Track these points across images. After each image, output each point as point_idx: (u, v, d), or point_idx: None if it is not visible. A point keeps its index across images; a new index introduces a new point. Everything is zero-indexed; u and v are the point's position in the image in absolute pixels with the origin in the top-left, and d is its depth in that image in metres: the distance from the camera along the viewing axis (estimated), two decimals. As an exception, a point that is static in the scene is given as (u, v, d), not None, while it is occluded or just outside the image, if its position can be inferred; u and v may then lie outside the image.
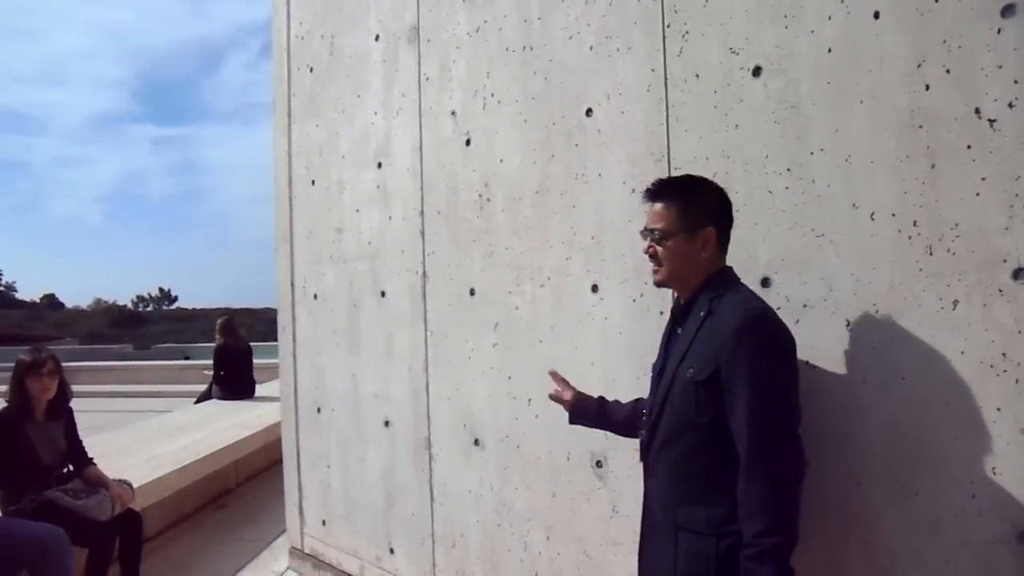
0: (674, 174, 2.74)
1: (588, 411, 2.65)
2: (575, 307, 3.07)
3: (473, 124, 3.51)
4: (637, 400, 2.61)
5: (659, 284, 2.30)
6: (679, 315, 2.27)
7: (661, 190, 2.25)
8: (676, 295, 2.34)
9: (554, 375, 2.76)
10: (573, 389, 2.70)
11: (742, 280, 2.25)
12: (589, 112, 3.02)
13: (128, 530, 4.44)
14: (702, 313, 2.13)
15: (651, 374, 2.40)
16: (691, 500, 2.11)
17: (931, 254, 2.15)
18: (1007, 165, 2.02)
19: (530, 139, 3.24)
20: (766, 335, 2.02)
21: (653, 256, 2.26)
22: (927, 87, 2.16)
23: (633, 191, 2.85)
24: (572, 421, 2.69)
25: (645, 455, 2.31)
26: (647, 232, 2.27)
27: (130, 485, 4.76)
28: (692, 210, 2.19)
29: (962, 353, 2.09)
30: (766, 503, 1.92)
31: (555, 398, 2.74)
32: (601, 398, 2.67)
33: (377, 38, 4.10)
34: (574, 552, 3.12)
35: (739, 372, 1.98)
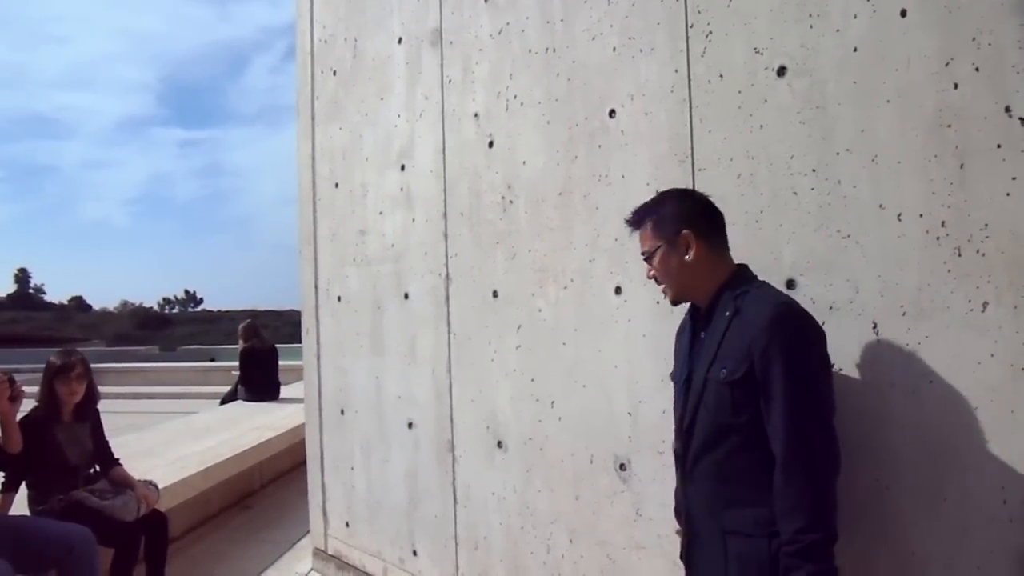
0: (698, 175, 2.72)
1: None
2: (598, 309, 3.06)
3: (496, 126, 3.51)
4: None
5: (674, 302, 2.34)
6: (702, 320, 2.26)
7: (636, 217, 2.34)
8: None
9: None
10: None
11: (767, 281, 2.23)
12: (612, 113, 3.01)
13: (154, 530, 4.47)
14: (728, 313, 2.11)
15: (674, 384, 2.39)
16: (736, 503, 2.07)
17: (960, 255, 2.12)
18: (1038, 164, 1.99)
19: (553, 141, 3.23)
20: (798, 328, 2.01)
21: (655, 279, 2.33)
22: (955, 86, 2.13)
23: (657, 192, 2.83)
24: None
25: (681, 464, 2.27)
26: (643, 258, 2.35)
27: (155, 486, 4.79)
28: (662, 222, 2.25)
29: (992, 356, 2.06)
30: (804, 499, 1.91)
31: None
32: None
33: (400, 41, 4.11)
34: (597, 555, 3.10)
35: (773, 368, 1.96)
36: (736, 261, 2.26)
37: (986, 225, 2.08)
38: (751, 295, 2.09)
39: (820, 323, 2.21)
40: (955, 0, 2.13)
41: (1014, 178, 2.03)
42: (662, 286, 2.33)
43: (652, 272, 2.32)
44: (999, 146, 2.05)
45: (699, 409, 2.15)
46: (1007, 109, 2.04)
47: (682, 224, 2.20)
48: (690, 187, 2.72)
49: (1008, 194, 2.04)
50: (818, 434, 1.96)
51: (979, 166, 2.08)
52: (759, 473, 2.02)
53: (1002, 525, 2.05)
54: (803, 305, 2.14)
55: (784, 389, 1.94)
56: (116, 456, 4.69)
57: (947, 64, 2.14)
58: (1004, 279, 2.04)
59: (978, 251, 2.09)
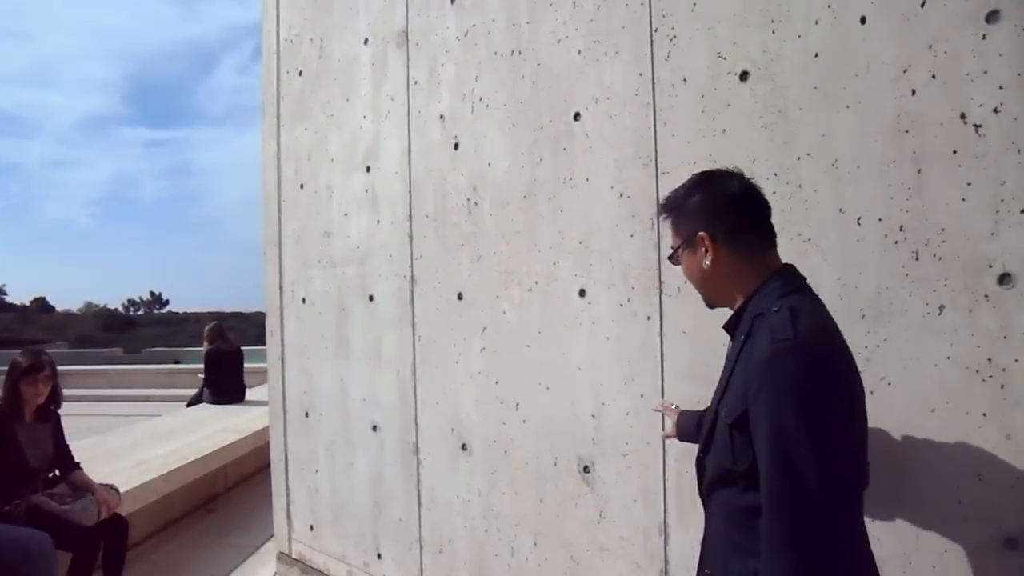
0: (661, 179, 2.73)
1: (689, 429, 2.38)
2: (562, 312, 3.06)
3: (461, 128, 3.50)
4: None
5: (708, 306, 2.01)
6: (731, 330, 1.93)
7: (666, 205, 2.00)
8: None
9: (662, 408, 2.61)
10: (678, 411, 2.50)
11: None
12: (577, 116, 3.01)
13: (113, 535, 4.41)
14: (742, 336, 1.78)
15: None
16: (743, 550, 1.73)
17: (917, 259, 2.15)
18: (992, 170, 2.03)
19: (518, 143, 3.23)
20: (794, 377, 1.57)
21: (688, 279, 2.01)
22: (913, 92, 2.16)
23: (621, 195, 2.85)
24: (681, 439, 2.45)
25: (700, 492, 1.98)
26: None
27: (116, 490, 4.73)
28: (683, 217, 1.93)
29: (948, 358, 2.09)
30: None
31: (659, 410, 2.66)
32: (702, 413, 2.30)
33: (366, 42, 4.09)
34: (561, 558, 3.10)
35: (760, 424, 1.61)
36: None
37: (943, 229, 2.11)
38: (766, 319, 1.71)
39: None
40: (913, 8, 2.16)
41: (969, 183, 2.06)
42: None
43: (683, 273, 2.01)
44: (955, 152, 2.08)
45: (710, 444, 1.86)
46: (962, 116, 2.07)
47: (699, 223, 1.87)
48: (654, 187, 2.74)
49: (964, 199, 2.07)
50: (807, 516, 1.53)
51: (936, 171, 2.12)
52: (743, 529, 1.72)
53: (957, 525, 2.08)
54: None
55: (768, 458, 1.59)
56: (77, 459, 4.63)
57: (905, 71, 2.17)
58: (960, 283, 2.08)
59: (935, 255, 2.12)
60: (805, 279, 1.86)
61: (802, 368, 1.58)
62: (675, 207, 1.95)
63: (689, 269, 1.94)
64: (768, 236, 1.89)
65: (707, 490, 1.91)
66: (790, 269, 1.87)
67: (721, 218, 1.86)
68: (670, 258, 2.00)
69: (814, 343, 1.63)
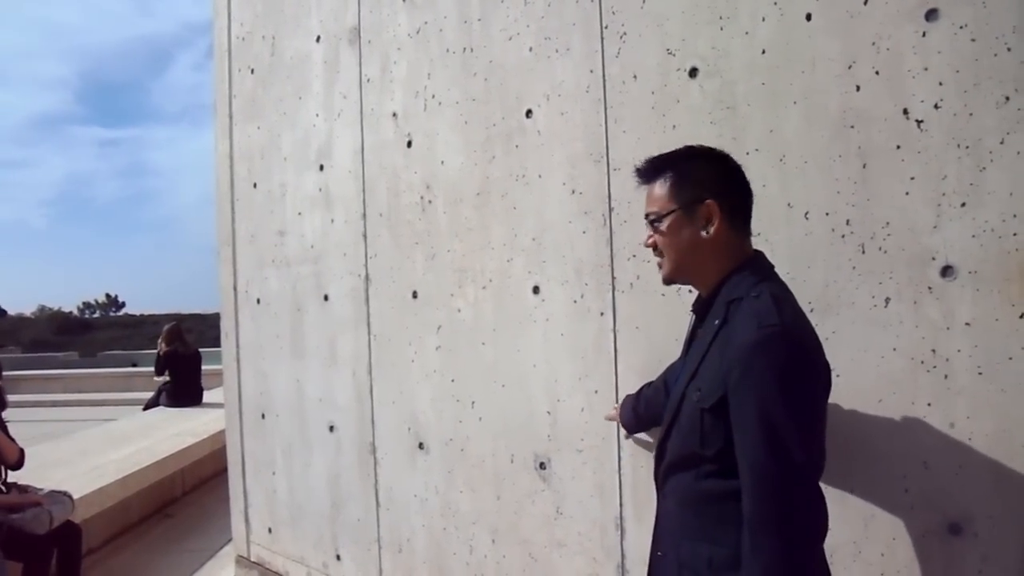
0: (613, 175, 2.74)
1: (625, 415, 2.56)
2: (517, 309, 3.06)
3: (414, 126, 3.49)
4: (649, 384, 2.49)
5: (667, 280, 1.95)
6: (700, 312, 1.92)
7: (651, 168, 1.92)
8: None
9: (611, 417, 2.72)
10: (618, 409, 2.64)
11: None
12: (529, 113, 3.01)
13: (67, 543, 4.34)
14: (716, 321, 1.78)
15: (669, 375, 2.28)
16: (696, 534, 1.78)
17: (864, 252, 2.18)
18: (934, 165, 2.06)
19: (471, 141, 3.23)
20: (781, 361, 1.62)
21: (654, 247, 1.92)
22: (858, 88, 2.19)
23: (573, 192, 2.85)
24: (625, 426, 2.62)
25: (656, 475, 1.98)
26: (646, 220, 1.94)
27: (70, 497, 4.65)
28: (684, 182, 1.85)
29: (894, 350, 2.13)
30: (772, 570, 1.58)
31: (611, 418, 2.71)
32: (635, 397, 2.54)
33: (318, 39, 4.05)
34: (519, 554, 3.10)
35: (745, 407, 1.63)
36: (649, 260, 2.23)
37: (887, 223, 2.14)
38: (744, 305, 1.73)
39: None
40: (856, 5, 2.19)
41: (912, 178, 2.10)
42: (658, 258, 1.94)
43: (652, 239, 1.92)
44: (898, 147, 2.12)
45: (673, 426, 1.86)
46: (905, 111, 2.11)
47: (708, 190, 1.82)
48: (605, 183, 2.75)
49: (907, 193, 2.11)
50: (794, 495, 1.60)
51: (880, 166, 2.15)
52: (725, 506, 1.71)
53: (904, 512, 2.12)
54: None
55: (755, 437, 1.61)
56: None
57: (850, 67, 2.21)
58: (904, 275, 2.11)
59: (880, 248, 2.15)
60: (774, 266, 1.89)
61: (788, 353, 1.63)
62: (671, 169, 1.88)
63: (673, 237, 1.86)
64: (749, 222, 1.92)
65: (664, 473, 1.91)
66: (761, 256, 1.90)
67: (730, 191, 1.86)
68: (654, 220, 1.89)
69: (796, 329, 1.68)
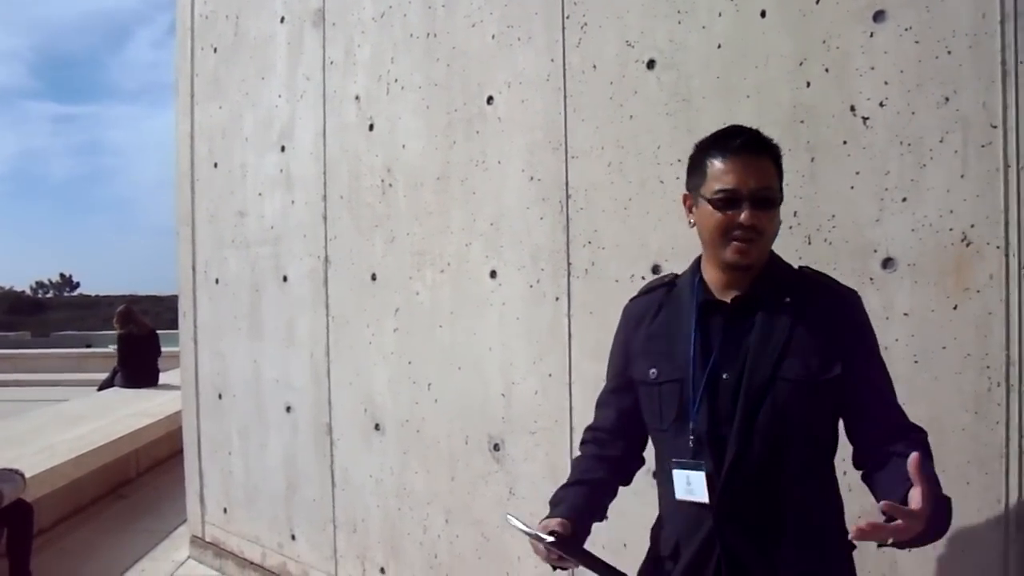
0: (571, 163, 2.80)
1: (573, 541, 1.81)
2: (474, 293, 3.11)
3: (377, 109, 3.51)
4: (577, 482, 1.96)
5: (749, 266, 1.68)
6: (726, 309, 1.72)
7: (766, 144, 1.70)
8: (684, 285, 1.84)
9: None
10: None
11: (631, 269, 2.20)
12: (490, 100, 3.05)
13: (17, 521, 4.30)
14: (788, 299, 1.67)
15: (659, 384, 1.77)
16: (793, 542, 1.67)
17: (810, 244, 2.26)
18: (878, 160, 2.14)
19: (432, 125, 3.26)
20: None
21: (752, 228, 1.62)
22: (808, 84, 2.27)
23: (532, 179, 2.90)
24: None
25: (712, 484, 1.66)
26: (753, 195, 1.62)
27: (22, 475, 4.60)
28: (780, 171, 1.72)
29: (835, 338, 2.20)
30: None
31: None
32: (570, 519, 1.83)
33: (282, 20, 4.05)
34: (472, 534, 3.16)
35: (872, 357, 1.73)
36: (604, 247, 2.29)
37: (833, 216, 2.22)
38: (810, 280, 1.75)
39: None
40: (808, 4, 2.26)
41: (857, 173, 2.18)
42: (743, 242, 1.63)
43: (753, 220, 1.61)
44: (845, 142, 2.20)
45: (757, 418, 1.64)
46: (852, 108, 2.19)
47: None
48: (563, 170, 2.80)
49: (852, 187, 2.19)
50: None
51: (827, 160, 2.23)
52: (817, 502, 1.72)
53: (843, 494, 2.19)
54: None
55: (884, 372, 1.74)
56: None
57: (801, 64, 2.28)
58: (848, 266, 2.19)
59: (826, 240, 2.24)
60: None
61: None
62: (777, 154, 1.72)
63: (774, 222, 1.68)
64: None
65: (742, 485, 1.65)
66: None
67: None
68: (770, 199, 1.65)
69: None
